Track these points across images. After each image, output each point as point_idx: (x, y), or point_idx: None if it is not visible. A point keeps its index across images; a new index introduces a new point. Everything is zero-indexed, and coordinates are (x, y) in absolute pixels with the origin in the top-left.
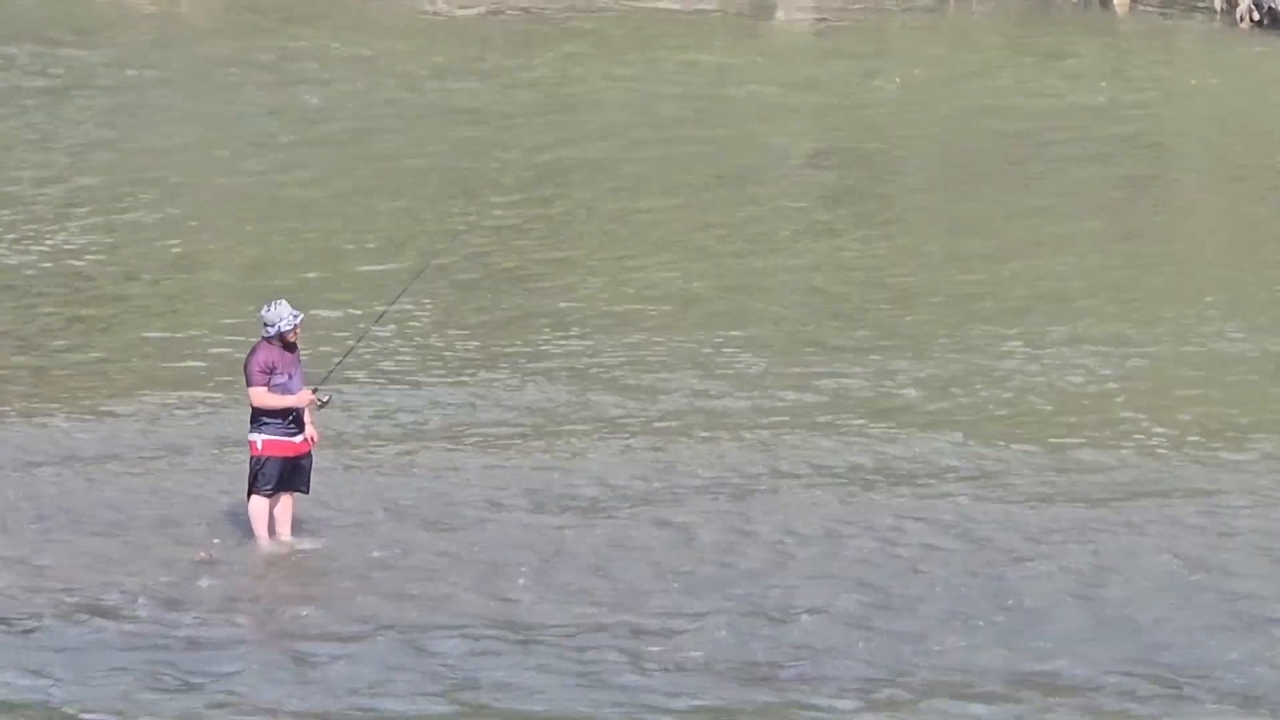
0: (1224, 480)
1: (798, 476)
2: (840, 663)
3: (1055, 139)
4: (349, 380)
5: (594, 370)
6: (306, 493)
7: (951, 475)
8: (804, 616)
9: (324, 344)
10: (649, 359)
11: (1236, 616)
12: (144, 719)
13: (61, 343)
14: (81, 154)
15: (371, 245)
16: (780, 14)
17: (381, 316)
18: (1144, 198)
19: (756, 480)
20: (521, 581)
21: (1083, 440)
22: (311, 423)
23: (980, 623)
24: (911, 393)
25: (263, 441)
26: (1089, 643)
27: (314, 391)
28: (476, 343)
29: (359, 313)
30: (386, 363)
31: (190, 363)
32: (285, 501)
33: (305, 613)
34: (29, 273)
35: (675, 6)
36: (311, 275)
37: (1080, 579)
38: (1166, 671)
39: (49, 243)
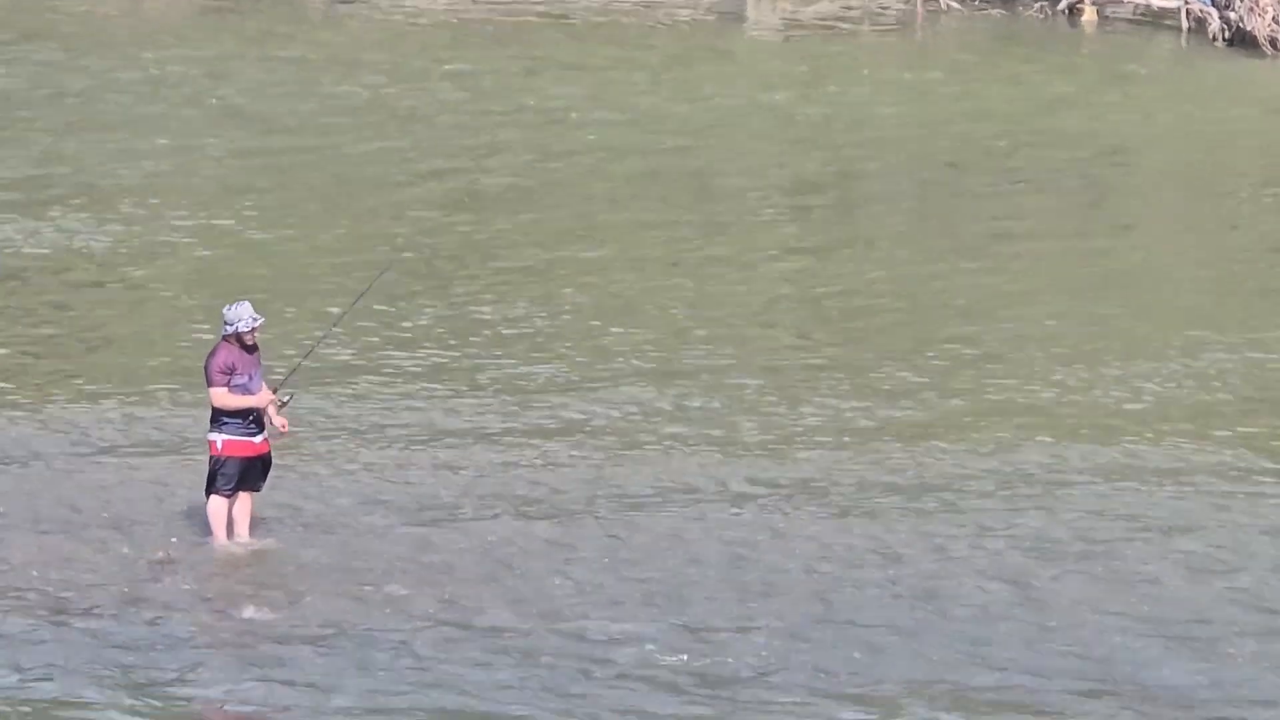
0: (1183, 497)
1: (736, 491)
2: (787, 676)
3: (1023, 157)
4: (306, 382)
5: (555, 377)
6: (260, 490)
7: (895, 490)
8: (752, 629)
9: (285, 345)
10: (617, 369)
11: (1175, 633)
12: (101, 715)
13: (18, 340)
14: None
15: (332, 248)
16: (750, 24)
17: (342, 318)
18: (1110, 216)
19: (707, 494)
20: (476, 585)
21: (1049, 451)
22: (278, 413)
23: (926, 636)
24: (868, 409)
25: (223, 441)
26: (1033, 656)
27: (274, 392)
28: (436, 348)
29: (318, 318)
30: (345, 364)
31: (150, 361)
32: (244, 501)
33: (262, 613)
34: None
35: (642, 17)
36: (272, 275)
37: (1021, 592)
38: (1109, 685)
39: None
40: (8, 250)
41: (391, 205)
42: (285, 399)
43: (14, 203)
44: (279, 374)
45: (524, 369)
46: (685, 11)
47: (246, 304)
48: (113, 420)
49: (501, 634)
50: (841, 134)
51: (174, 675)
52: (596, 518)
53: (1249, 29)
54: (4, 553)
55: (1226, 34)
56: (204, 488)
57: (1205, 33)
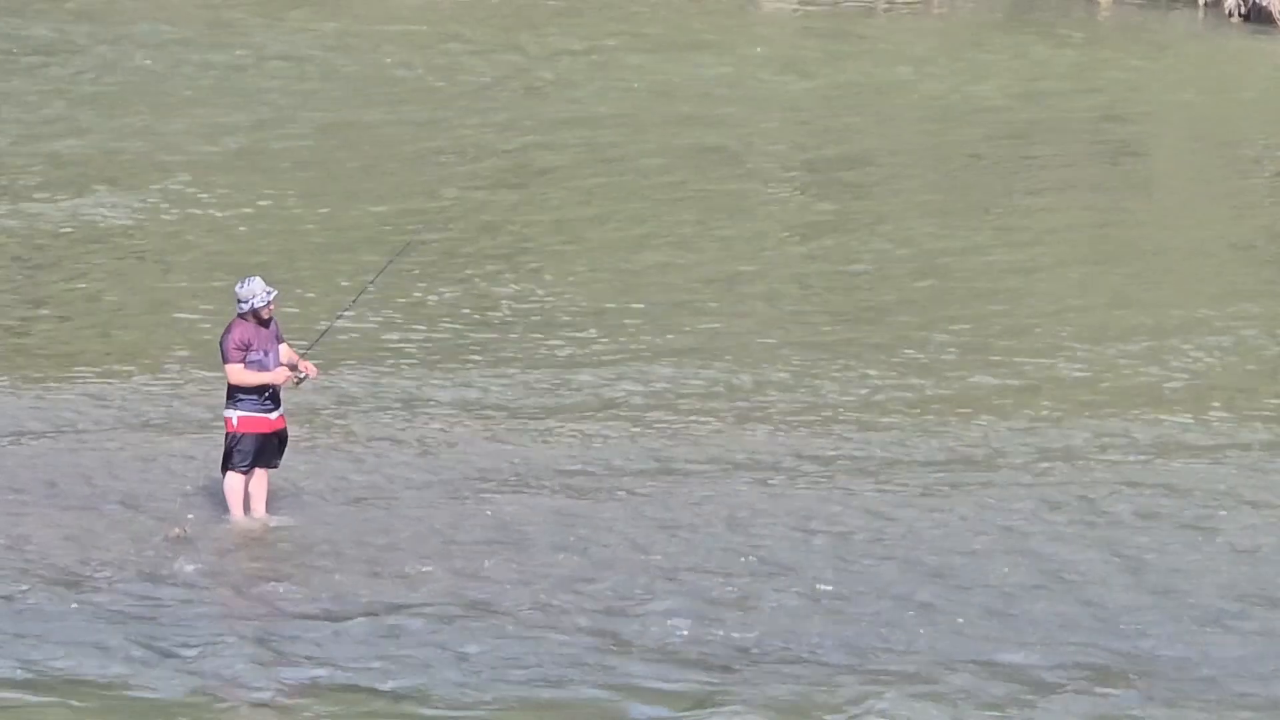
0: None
1: (761, 466)
2: (812, 650)
3: (1040, 134)
4: (325, 357)
5: (578, 353)
6: (276, 467)
7: (924, 466)
8: (778, 603)
9: (306, 322)
10: (641, 345)
11: (1208, 611)
12: (120, 692)
13: (39, 314)
14: (51, 123)
15: (368, 225)
16: (767, 2)
17: (361, 293)
18: (1134, 190)
19: (732, 469)
20: (493, 562)
21: (1074, 428)
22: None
23: (953, 612)
24: (896, 385)
25: (239, 418)
26: (1061, 632)
27: (292, 369)
28: (456, 324)
29: (335, 294)
30: (363, 341)
31: (167, 338)
32: (260, 478)
33: (279, 589)
34: (3, 241)
35: None
36: (299, 252)
37: (1050, 568)
38: (1136, 662)
39: (28, 212)
40: (40, 227)
41: (422, 182)
42: (301, 376)
43: (70, 179)
44: (297, 349)
45: (547, 345)
46: None
47: (258, 279)
48: (130, 397)
49: (521, 609)
50: (865, 110)
51: (192, 652)
52: (618, 493)
53: (1265, 5)
54: (22, 529)
55: (1243, 9)
56: (220, 465)
57: (1221, 8)
